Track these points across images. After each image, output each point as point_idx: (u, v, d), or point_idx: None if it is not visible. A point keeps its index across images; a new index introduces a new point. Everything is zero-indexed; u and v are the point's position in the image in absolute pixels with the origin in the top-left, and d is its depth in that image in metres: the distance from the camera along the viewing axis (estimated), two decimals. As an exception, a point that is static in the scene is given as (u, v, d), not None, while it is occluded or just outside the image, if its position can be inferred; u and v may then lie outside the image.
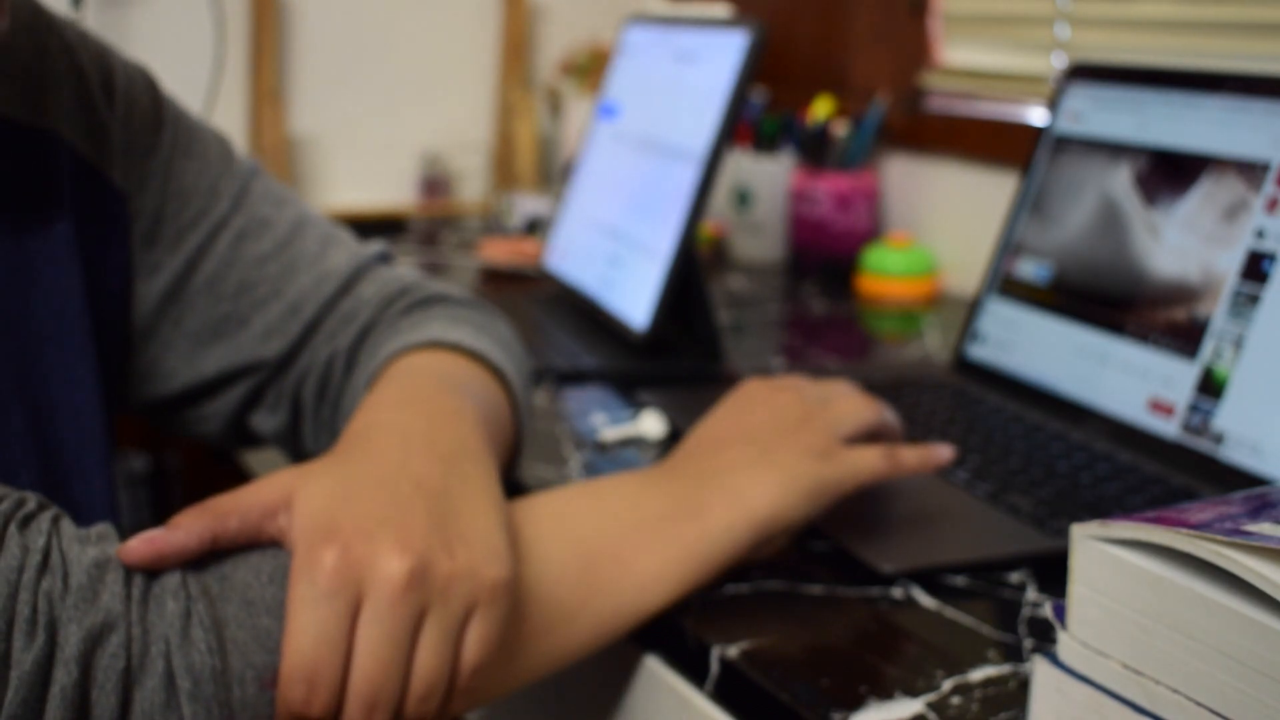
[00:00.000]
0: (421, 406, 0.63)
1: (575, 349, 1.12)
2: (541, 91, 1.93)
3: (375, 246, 0.82)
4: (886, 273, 1.40)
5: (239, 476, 1.36)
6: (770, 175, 1.55)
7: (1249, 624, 0.45)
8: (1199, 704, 0.47)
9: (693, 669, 0.65)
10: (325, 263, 0.77)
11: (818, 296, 1.42)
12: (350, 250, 0.79)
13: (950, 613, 0.66)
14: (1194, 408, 0.81)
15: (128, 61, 0.76)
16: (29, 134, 0.67)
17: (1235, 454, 0.77)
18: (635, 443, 0.91)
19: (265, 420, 0.78)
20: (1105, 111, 0.94)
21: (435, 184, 1.85)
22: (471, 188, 1.91)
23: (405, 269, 0.82)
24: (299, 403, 0.78)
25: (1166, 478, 0.80)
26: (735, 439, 0.70)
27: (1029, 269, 0.98)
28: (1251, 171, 0.81)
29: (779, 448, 0.69)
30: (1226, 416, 0.78)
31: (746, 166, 1.56)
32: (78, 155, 0.69)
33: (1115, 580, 0.49)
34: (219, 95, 1.72)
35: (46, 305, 0.66)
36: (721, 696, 0.63)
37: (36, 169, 0.67)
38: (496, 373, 0.73)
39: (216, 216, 0.75)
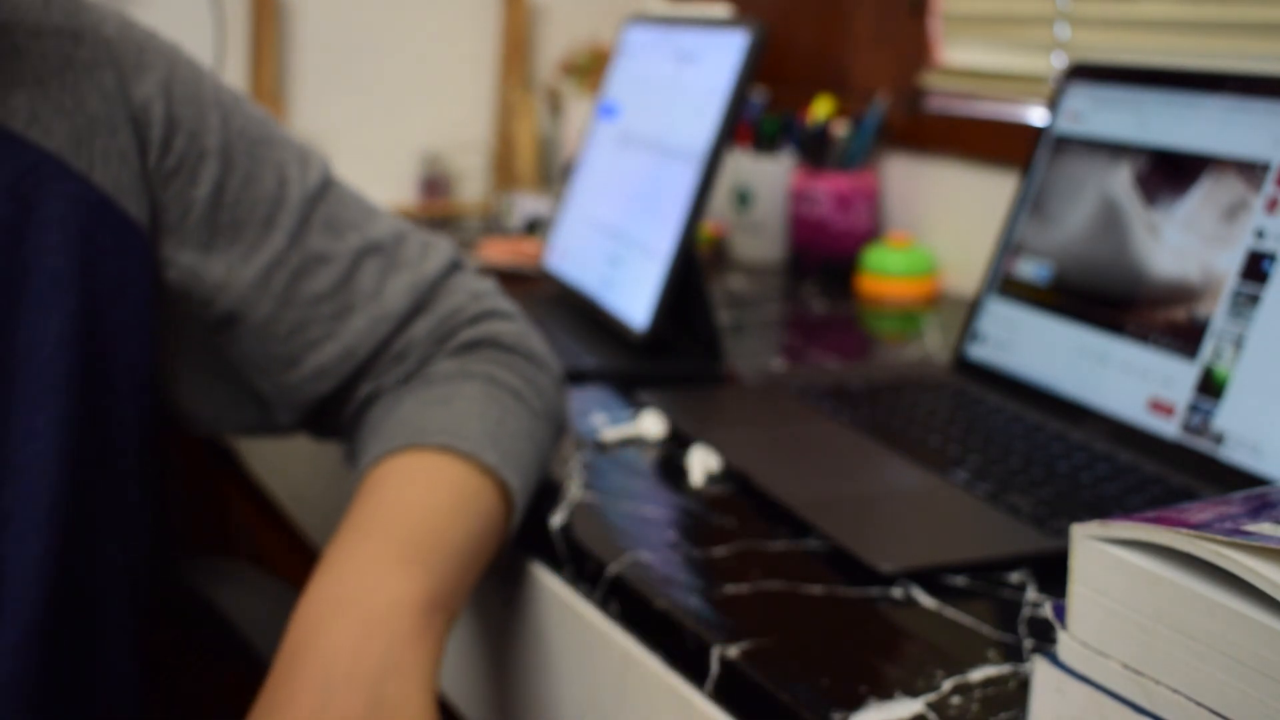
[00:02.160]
0: (357, 609, 0.62)
1: (575, 349, 1.12)
2: (541, 91, 1.93)
3: (440, 258, 0.79)
4: (886, 273, 1.40)
5: (238, 475, 1.36)
6: (770, 175, 1.55)
7: (1249, 624, 0.45)
8: (1199, 704, 0.47)
9: (693, 669, 0.65)
10: (382, 301, 0.76)
11: (818, 296, 1.42)
12: (411, 278, 0.77)
13: (950, 613, 0.66)
14: (1194, 408, 0.81)
15: (208, 100, 0.73)
16: (28, 151, 0.65)
17: (1235, 454, 0.77)
18: (635, 443, 0.91)
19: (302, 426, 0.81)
20: (1105, 111, 0.94)
21: (435, 184, 1.85)
22: (471, 188, 1.91)
23: (473, 279, 0.81)
24: (326, 409, 0.79)
25: (1166, 478, 0.80)
26: None
27: (1029, 269, 0.98)
28: (1251, 171, 0.81)
29: None
30: (1226, 416, 0.78)
31: (746, 166, 1.56)
32: (93, 186, 0.67)
33: (1115, 580, 0.49)
34: (219, 95, 1.72)
35: (14, 347, 0.65)
36: (721, 696, 0.63)
37: (24, 193, 0.65)
38: (495, 477, 0.72)
39: (272, 253, 0.74)
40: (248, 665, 0.83)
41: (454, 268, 0.80)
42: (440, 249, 0.80)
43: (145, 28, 0.74)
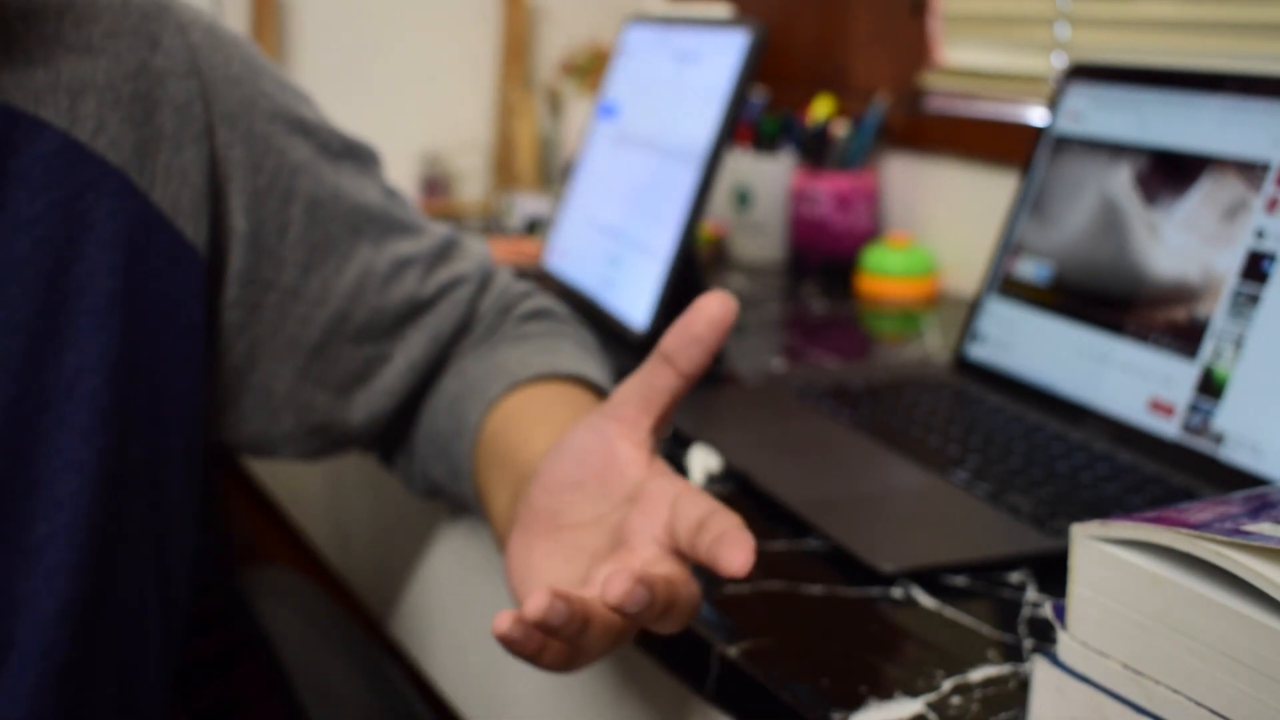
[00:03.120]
0: None
1: (575, 349, 1.12)
2: (541, 91, 1.93)
3: (482, 247, 0.83)
4: (886, 273, 1.40)
5: (238, 475, 1.36)
6: (770, 175, 1.55)
7: (1249, 624, 0.45)
8: (1199, 704, 0.47)
9: (693, 669, 0.65)
10: (458, 289, 0.78)
11: (818, 296, 1.42)
12: (471, 265, 0.80)
13: (950, 613, 0.66)
14: (1194, 408, 0.81)
15: (293, 112, 0.72)
16: (93, 163, 0.63)
17: (1235, 454, 0.77)
18: (635, 443, 0.91)
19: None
20: (1105, 111, 0.94)
21: (435, 184, 1.85)
22: (471, 188, 1.91)
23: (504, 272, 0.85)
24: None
25: (1166, 478, 0.80)
26: None
27: (1029, 269, 0.98)
28: (1251, 171, 0.81)
29: None
30: (1226, 416, 0.78)
31: (746, 166, 1.56)
32: (152, 204, 0.65)
33: (1115, 580, 0.49)
34: (219, 95, 1.72)
35: (60, 372, 0.62)
36: (721, 696, 0.63)
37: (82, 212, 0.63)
38: None
39: (363, 262, 0.74)
40: (274, 675, 0.83)
41: (490, 257, 0.84)
42: (476, 242, 0.84)
43: (231, 32, 0.71)
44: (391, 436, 0.81)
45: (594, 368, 0.77)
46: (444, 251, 0.79)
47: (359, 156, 0.77)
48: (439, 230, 0.80)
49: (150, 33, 0.66)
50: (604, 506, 0.56)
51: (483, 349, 0.78)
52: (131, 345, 0.64)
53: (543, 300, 0.84)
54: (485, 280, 0.81)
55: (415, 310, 0.76)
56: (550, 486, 0.57)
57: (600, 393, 0.75)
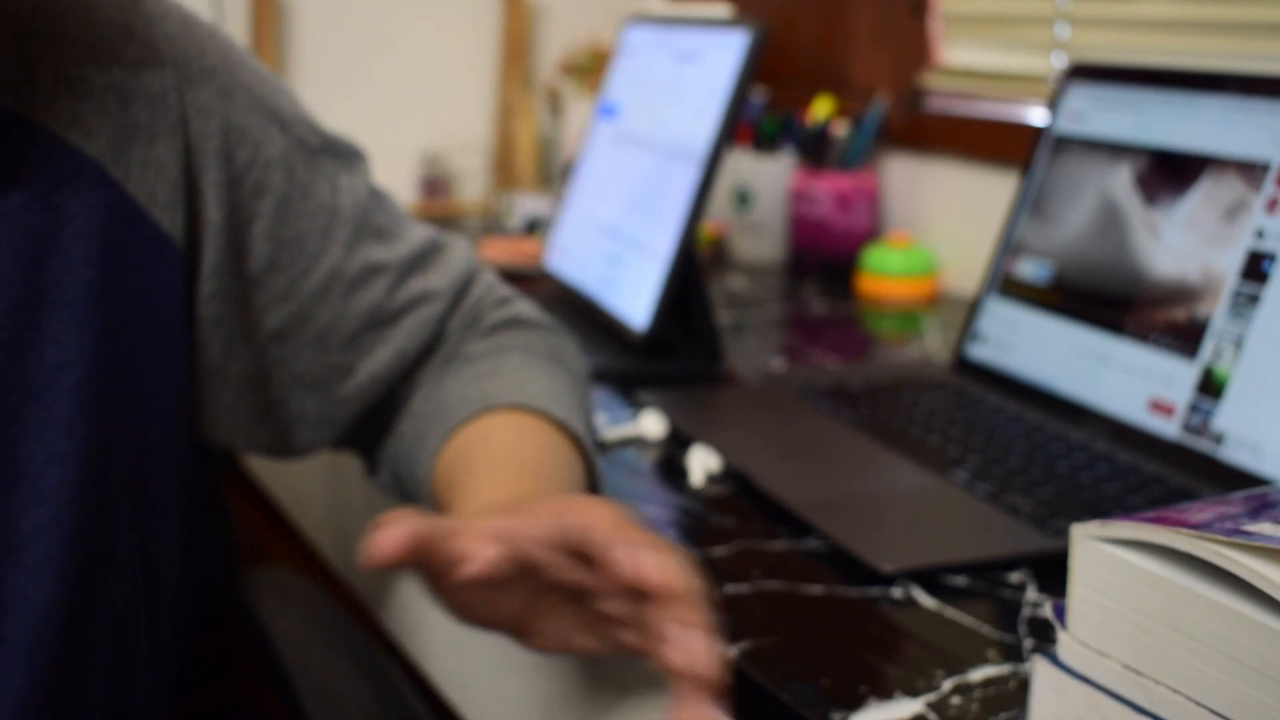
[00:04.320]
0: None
1: (575, 349, 1.12)
2: (541, 91, 1.93)
3: (466, 255, 0.81)
4: (886, 273, 1.40)
5: (238, 475, 1.36)
6: (770, 175, 1.55)
7: (1249, 624, 0.45)
8: (1199, 704, 0.47)
9: (693, 669, 0.65)
10: (428, 303, 0.77)
11: (818, 296, 1.42)
12: (448, 278, 0.79)
13: (950, 613, 0.66)
14: (1194, 408, 0.81)
15: (269, 105, 0.71)
16: (69, 156, 0.63)
17: (1235, 454, 0.77)
18: (635, 443, 0.91)
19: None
20: (1105, 111, 0.94)
21: (435, 184, 1.85)
22: (471, 188, 1.91)
23: (486, 271, 0.83)
24: (364, 418, 0.78)
25: (1166, 478, 0.80)
26: None
27: (1029, 269, 0.98)
28: (1251, 171, 0.81)
29: None
30: (1226, 416, 0.79)
31: (746, 166, 1.56)
32: (128, 195, 0.65)
33: (1115, 580, 0.49)
34: (219, 95, 1.72)
35: (41, 365, 0.62)
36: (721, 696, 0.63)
37: (60, 203, 0.62)
38: (572, 437, 0.72)
39: (332, 264, 0.73)
40: (274, 675, 0.83)
41: (475, 265, 0.82)
42: (462, 248, 0.82)
43: (207, 24, 0.71)
44: (366, 449, 0.81)
45: (537, 385, 0.74)
46: (419, 260, 0.77)
47: (339, 153, 0.75)
48: (419, 235, 0.78)
49: (125, 24, 0.66)
50: (516, 588, 0.56)
51: (433, 385, 0.77)
52: (111, 338, 0.64)
53: (515, 308, 0.81)
54: (459, 293, 0.79)
55: (379, 321, 0.75)
56: (472, 623, 0.58)
57: (533, 410, 0.72)
